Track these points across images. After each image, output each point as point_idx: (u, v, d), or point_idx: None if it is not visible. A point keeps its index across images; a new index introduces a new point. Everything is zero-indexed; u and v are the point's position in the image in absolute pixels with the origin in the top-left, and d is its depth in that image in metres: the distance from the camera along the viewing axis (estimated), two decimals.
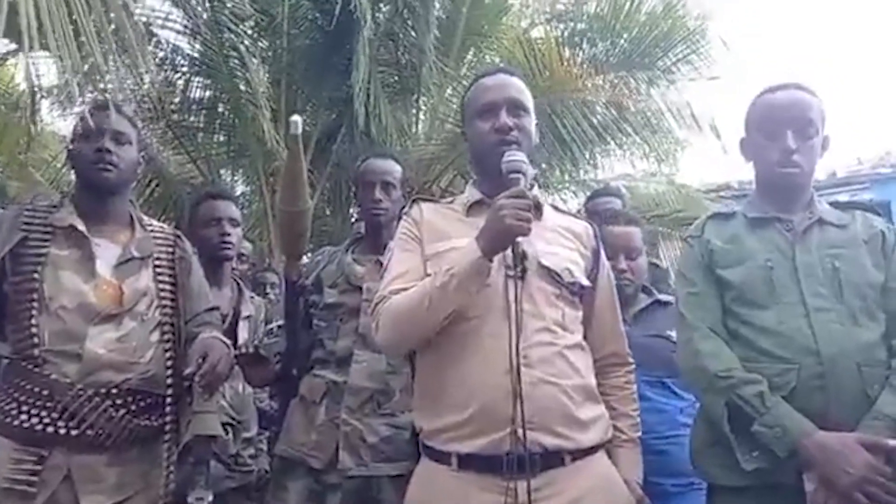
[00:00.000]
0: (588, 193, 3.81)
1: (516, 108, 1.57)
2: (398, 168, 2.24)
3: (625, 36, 5.75)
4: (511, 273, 1.44)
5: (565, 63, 5.33)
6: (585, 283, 1.57)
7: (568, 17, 6.21)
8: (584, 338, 1.57)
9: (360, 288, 2.11)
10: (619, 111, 5.51)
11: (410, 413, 2.05)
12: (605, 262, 1.69)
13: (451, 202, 1.67)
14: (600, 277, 1.64)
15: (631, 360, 1.69)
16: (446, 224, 1.59)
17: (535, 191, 1.62)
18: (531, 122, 1.60)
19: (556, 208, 1.72)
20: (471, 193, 1.64)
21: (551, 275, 1.51)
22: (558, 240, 1.59)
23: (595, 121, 5.37)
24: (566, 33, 6.11)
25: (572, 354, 1.49)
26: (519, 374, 1.37)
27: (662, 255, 5.89)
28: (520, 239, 1.39)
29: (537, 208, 1.54)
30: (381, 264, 2.12)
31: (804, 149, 1.57)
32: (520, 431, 1.36)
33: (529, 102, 1.61)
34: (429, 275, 1.49)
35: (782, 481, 1.42)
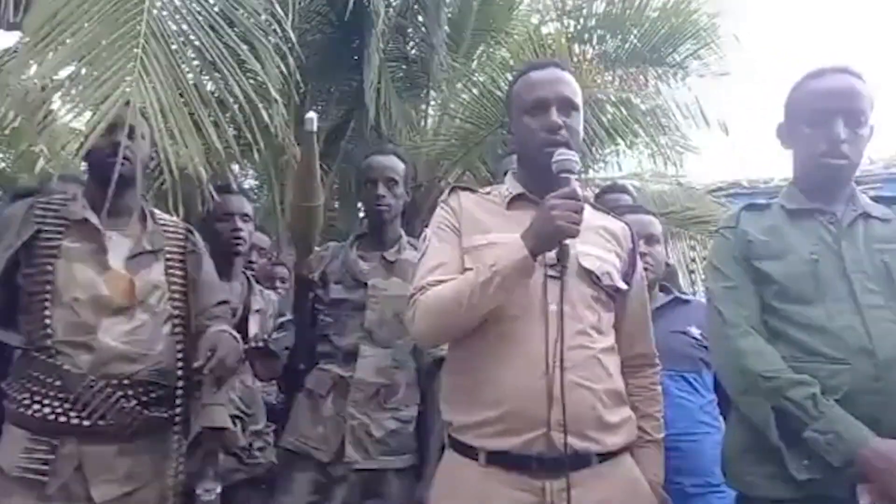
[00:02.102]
0: (596, 192, 3.81)
1: (567, 106, 1.53)
2: (402, 165, 2.25)
3: (635, 32, 5.72)
4: (551, 273, 1.43)
5: (575, 59, 5.31)
6: (623, 286, 1.54)
7: (578, 14, 6.18)
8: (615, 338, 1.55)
9: (366, 284, 2.13)
10: (629, 109, 5.48)
11: (416, 407, 2.08)
12: (639, 264, 1.66)
13: (489, 193, 1.63)
14: (635, 278, 1.62)
15: (658, 360, 1.66)
16: (486, 216, 1.56)
17: (577, 186, 1.57)
18: (580, 119, 1.57)
19: (593, 206, 1.68)
20: (512, 186, 1.60)
21: (591, 277, 1.49)
22: (597, 240, 1.56)
23: (605, 119, 5.35)
24: (577, 29, 6.08)
25: (605, 358, 1.48)
26: (562, 377, 1.36)
27: (671, 253, 5.87)
28: (567, 241, 1.37)
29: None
30: (386, 260, 2.15)
31: (853, 139, 1.47)
32: (553, 434, 1.37)
33: (579, 99, 1.57)
34: (468, 268, 1.47)
35: (832, 494, 1.31)
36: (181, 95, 2.34)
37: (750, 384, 1.42)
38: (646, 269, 2.07)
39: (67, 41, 2.31)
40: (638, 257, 1.66)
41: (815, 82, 1.53)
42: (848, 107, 1.47)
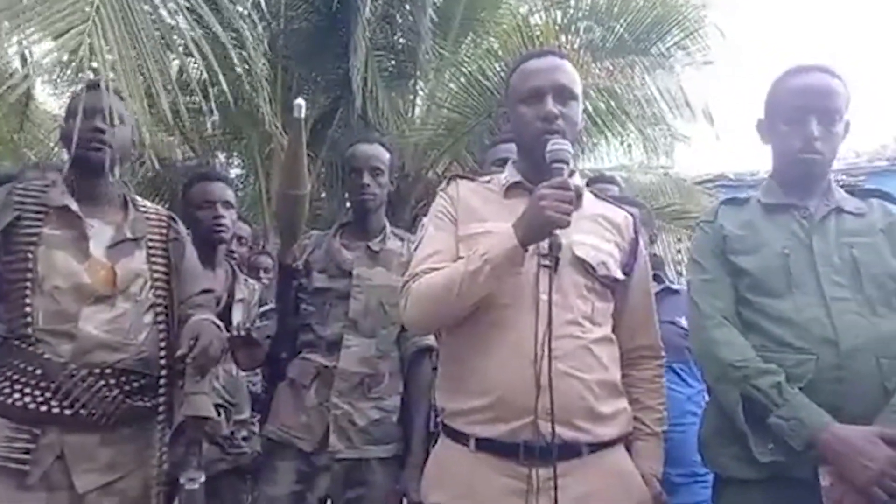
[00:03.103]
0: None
1: (563, 95, 1.52)
2: (386, 153, 2.24)
3: (621, 21, 5.72)
4: (544, 263, 1.43)
5: (563, 50, 5.30)
6: (620, 276, 1.54)
7: (566, 4, 6.17)
8: (614, 329, 1.55)
9: (350, 273, 2.12)
10: (615, 99, 5.49)
11: (399, 396, 2.08)
12: (643, 254, 1.65)
13: (489, 181, 1.63)
14: (637, 269, 1.61)
15: (663, 353, 1.66)
16: (483, 205, 1.57)
17: (577, 178, 1.58)
18: (578, 108, 1.56)
19: (595, 195, 1.68)
20: (510, 174, 1.60)
21: (585, 267, 1.49)
22: (596, 230, 1.56)
23: (591, 109, 5.35)
24: (565, 20, 6.08)
25: (598, 348, 1.48)
26: (549, 366, 1.37)
27: (659, 245, 5.90)
28: (557, 231, 1.37)
29: (577, 197, 1.49)
30: (371, 249, 2.15)
31: (827, 136, 1.53)
32: (540, 422, 1.37)
33: (578, 88, 1.56)
34: (461, 257, 1.47)
35: (796, 475, 1.39)
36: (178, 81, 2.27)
37: (720, 372, 1.48)
38: None
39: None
40: (641, 247, 1.64)
41: (791, 80, 1.59)
42: (822, 105, 1.53)
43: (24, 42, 2.17)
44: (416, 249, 1.59)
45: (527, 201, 1.43)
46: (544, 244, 1.41)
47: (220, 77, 3.07)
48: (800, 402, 1.38)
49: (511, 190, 1.58)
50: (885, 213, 1.59)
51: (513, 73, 1.62)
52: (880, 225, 1.56)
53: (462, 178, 1.66)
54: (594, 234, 1.54)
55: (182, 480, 1.68)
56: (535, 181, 1.47)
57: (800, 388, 1.39)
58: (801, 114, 1.53)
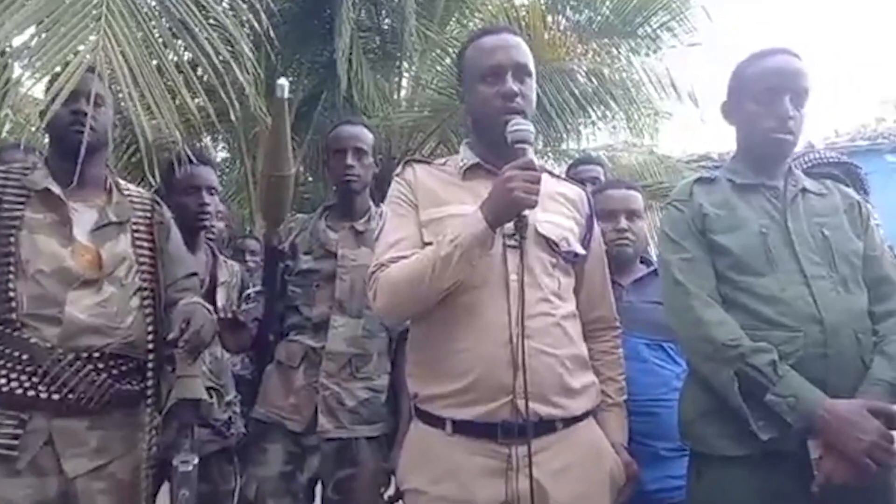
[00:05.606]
0: (569, 163, 3.82)
1: (521, 72, 1.52)
2: (369, 135, 2.24)
3: (607, 3, 5.71)
4: (510, 243, 1.44)
5: (549, 31, 5.28)
6: (581, 251, 1.56)
7: None
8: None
9: (335, 254, 2.12)
10: (601, 81, 5.48)
11: (387, 376, 2.09)
12: (596, 228, 1.68)
13: (444, 164, 1.63)
14: (592, 243, 1.64)
15: (618, 324, 1.70)
16: (442, 188, 1.56)
17: (533, 156, 1.59)
18: (533, 87, 1.56)
19: (550, 173, 1.68)
20: (466, 155, 1.59)
21: (549, 244, 1.51)
22: (555, 207, 1.57)
23: (576, 90, 5.34)
24: (550, 1, 6.04)
25: (567, 323, 1.50)
26: (523, 345, 1.38)
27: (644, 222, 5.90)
28: (526, 212, 1.37)
29: None
30: (356, 230, 2.14)
31: (797, 116, 1.56)
32: (518, 401, 1.39)
33: (532, 66, 1.56)
34: (427, 243, 1.47)
35: (785, 449, 1.41)
36: (158, 66, 2.28)
37: (712, 351, 1.48)
38: (627, 244, 2.09)
39: (27, 3, 2.24)
40: (595, 222, 1.67)
41: (762, 62, 1.61)
42: (795, 85, 1.56)
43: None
44: (377, 238, 1.57)
45: (486, 183, 1.44)
46: (509, 224, 1.41)
47: (204, 58, 3.03)
48: (794, 379, 1.40)
49: (469, 172, 1.57)
50: (844, 196, 1.65)
51: (466, 50, 1.60)
52: (842, 206, 1.62)
53: (417, 161, 1.64)
54: (554, 212, 1.56)
55: (175, 463, 1.68)
56: (495, 162, 1.48)
57: (790, 365, 1.42)
58: (774, 94, 1.55)
